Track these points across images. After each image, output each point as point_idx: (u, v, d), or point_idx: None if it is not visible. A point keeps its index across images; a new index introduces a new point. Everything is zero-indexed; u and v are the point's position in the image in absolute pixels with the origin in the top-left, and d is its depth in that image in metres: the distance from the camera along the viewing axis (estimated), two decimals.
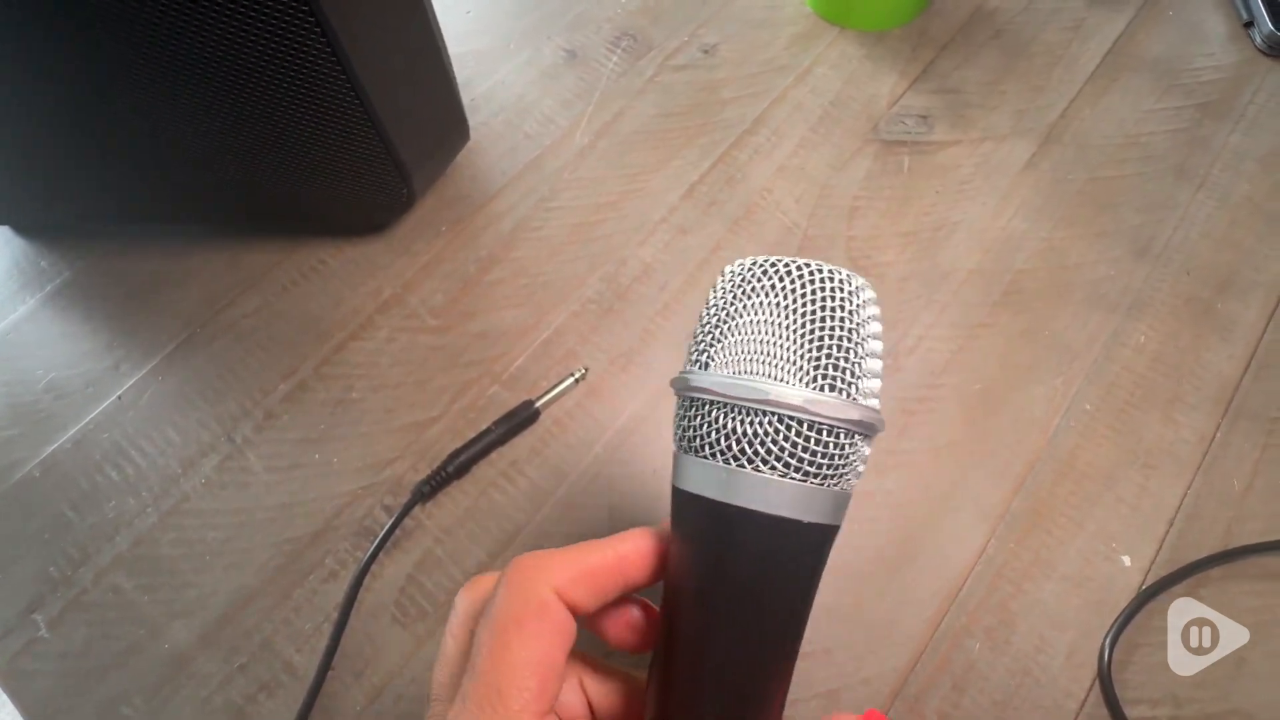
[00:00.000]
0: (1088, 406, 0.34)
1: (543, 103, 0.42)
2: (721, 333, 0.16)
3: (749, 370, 0.16)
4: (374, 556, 0.30)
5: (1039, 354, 0.35)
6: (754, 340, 0.16)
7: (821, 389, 0.16)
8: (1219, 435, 0.33)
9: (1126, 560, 0.31)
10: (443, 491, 0.32)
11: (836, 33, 0.44)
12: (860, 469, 0.17)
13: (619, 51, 0.44)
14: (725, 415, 0.16)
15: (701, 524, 0.16)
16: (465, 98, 0.42)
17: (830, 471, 0.16)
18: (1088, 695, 0.29)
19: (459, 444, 0.33)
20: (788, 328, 0.16)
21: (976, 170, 0.40)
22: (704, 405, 0.16)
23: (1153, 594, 0.30)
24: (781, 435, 0.15)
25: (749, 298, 0.16)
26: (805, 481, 0.16)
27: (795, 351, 0.16)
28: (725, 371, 0.16)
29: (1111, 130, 0.41)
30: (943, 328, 0.36)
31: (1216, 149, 0.41)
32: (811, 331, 0.16)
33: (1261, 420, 0.34)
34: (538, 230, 0.38)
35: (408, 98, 0.31)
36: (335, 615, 0.30)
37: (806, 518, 0.16)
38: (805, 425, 0.15)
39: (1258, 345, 0.36)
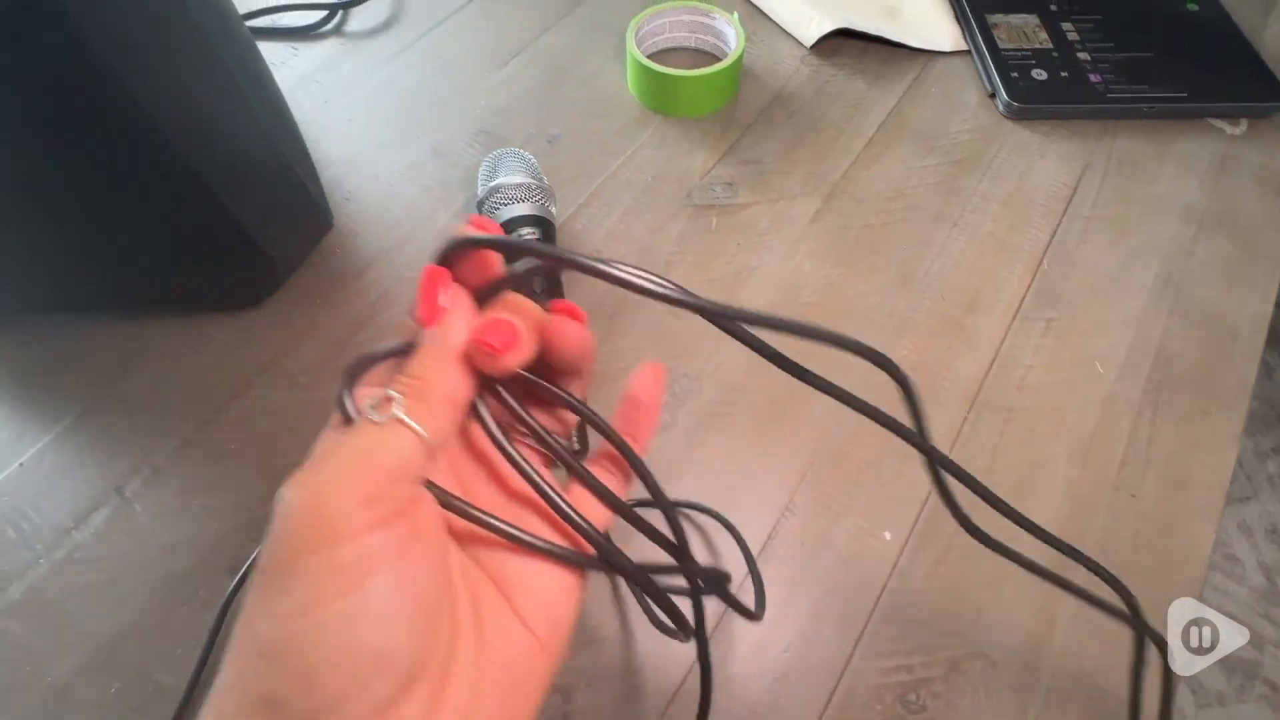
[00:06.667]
0: None
1: (408, 192, 0.49)
2: (497, 170, 0.44)
3: (514, 176, 0.43)
4: (242, 580, 0.35)
5: (819, 370, 0.42)
6: (510, 168, 0.44)
7: (539, 179, 0.45)
8: (965, 426, 0.40)
9: (887, 535, 0.37)
10: None
11: (660, 119, 0.53)
12: (554, 211, 0.45)
13: (476, 145, 0.52)
14: (509, 191, 0.43)
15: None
16: (343, 189, 0.49)
17: (550, 203, 0.44)
18: None
19: None
20: (518, 165, 0.44)
21: (772, 225, 0.48)
22: (502, 190, 0.43)
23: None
24: (530, 190, 0.43)
25: (501, 159, 0.45)
26: (544, 208, 0.43)
27: (523, 171, 0.44)
28: (506, 179, 0.43)
29: (883, 185, 0.50)
30: (738, 355, 0.42)
31: (968, 195, 0.50)
32: (525, 166, 0.45)
33: (999, 410, 0.41)
34: (400, 297, 0.45)
35: (264, 201, 0.38)
36: (206, 639, 0.34)
37: (549, 217, 0.43)
38: (537, 187, 0.44)
39: (998, 350, 0.43)
